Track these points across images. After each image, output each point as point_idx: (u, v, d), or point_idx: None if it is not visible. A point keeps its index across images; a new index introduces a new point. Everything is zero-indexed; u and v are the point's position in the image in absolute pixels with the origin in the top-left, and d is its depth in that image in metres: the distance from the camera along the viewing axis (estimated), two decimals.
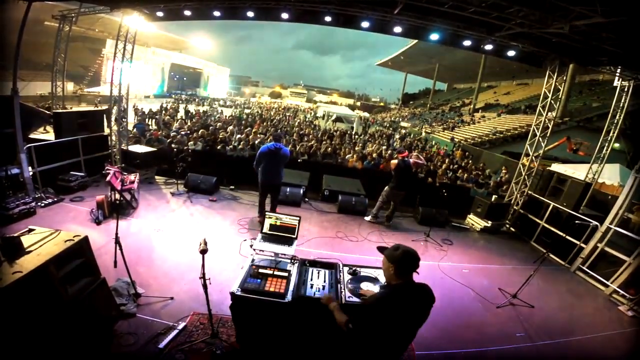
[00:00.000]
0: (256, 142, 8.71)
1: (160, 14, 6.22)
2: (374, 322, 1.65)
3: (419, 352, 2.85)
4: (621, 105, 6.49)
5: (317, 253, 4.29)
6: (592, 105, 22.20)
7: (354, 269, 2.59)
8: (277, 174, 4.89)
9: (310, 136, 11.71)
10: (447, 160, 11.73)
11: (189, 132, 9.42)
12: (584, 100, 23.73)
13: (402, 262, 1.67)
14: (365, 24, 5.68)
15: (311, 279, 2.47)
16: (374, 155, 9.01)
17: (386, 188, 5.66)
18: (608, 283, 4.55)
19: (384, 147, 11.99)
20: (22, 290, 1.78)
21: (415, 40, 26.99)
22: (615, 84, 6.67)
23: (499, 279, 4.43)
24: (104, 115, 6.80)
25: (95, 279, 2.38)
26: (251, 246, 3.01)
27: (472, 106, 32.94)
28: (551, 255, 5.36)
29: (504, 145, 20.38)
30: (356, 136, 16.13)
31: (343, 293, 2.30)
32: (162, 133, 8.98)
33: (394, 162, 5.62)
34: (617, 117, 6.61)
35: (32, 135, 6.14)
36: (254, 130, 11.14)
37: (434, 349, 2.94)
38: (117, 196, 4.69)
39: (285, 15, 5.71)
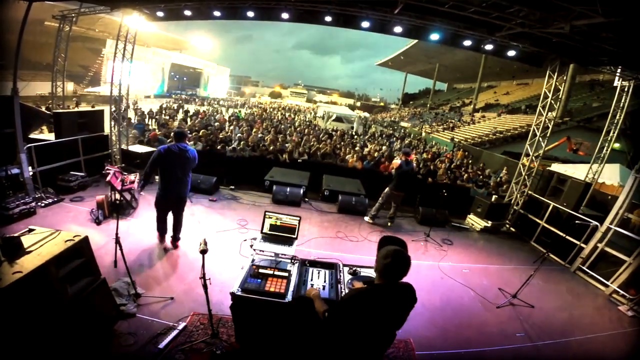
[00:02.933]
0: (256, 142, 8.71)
1: (160, 14, 6.22)
2: (346, 316, 1.65)
3: (419, 352, 2.85)
4: (621, 105, 6.50)
5: (317, 253, 4.29)
6: (592, 105, 22.20)
7: (354, 269, 2.59)
8: (182, 182, 3.85)
9: (311, 136, 11.70)
10: (446, 160, 11.73)
11: (189, 132, 9.42)
12: (584, 100, 23.73)
13: (387, 269, 1.64)
14: (365, 24, 5.68)
15: (311, 279, 2.47)
16: (375, 154, 9.01)
17: (386, 189, 5.67)
18: (608, 283, 4.55)
19: (384, 147, 11.98)
20: (22, 290, 1.78)
21: (415, 40, 26.99)
22: (615, 84, 6.68)
23: (499, 279, 4.43)
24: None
25: (95, 279, 2.38)
26: (251, 246, 3.01)
27: (472, 106, 32.94)
28: (551, 255, 5.35)
29: (504, 145, 20.37)
30: (356, 136, 16.13)
31: (343, 293, 2.30)
32: (161, 133, 8.99)
33: (396, 162, 5.60)
34: (617, 117, 6.62)
35: (32, 135, 6.14)
36: (254, 130, 11.15)
37: (434, 349, 2.93)
38: (117, 196, 4.69)
39: (285, 15, 5.71)
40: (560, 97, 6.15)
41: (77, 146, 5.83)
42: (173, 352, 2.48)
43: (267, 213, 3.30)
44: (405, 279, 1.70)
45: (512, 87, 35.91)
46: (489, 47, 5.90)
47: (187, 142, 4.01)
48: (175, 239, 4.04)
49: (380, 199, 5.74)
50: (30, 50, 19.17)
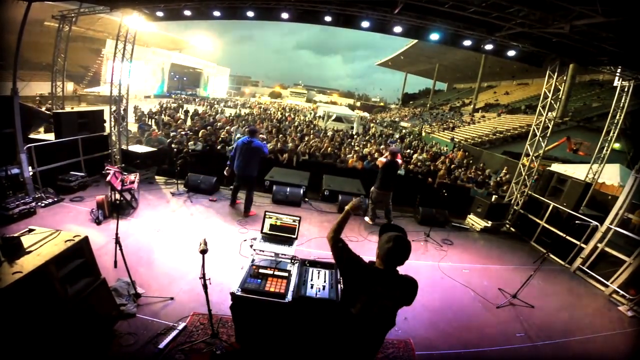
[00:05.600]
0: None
1: (160, 14, 6.21)
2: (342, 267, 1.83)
3: (419, 352, 2.85)
4: (621, 105, 6.49)
5: (317, 253, 4.29)
6: (592, 105, 22.19)
7: None
8: (247, 165, 5.06)
9: (311, 136, 11.70)
10: (447, 160, 11.73)
11: (189, 131, 9.42)
12: (584, 100, 23.73)
13: (388, 253, 1.69)
14: (365, 24, 5.67)
15: (311, 279, 2.47)
16: (375, 154, 9.01)
17: (372, 189, 5.65)
18: (608, 283, 4.55)
19: (383, 147, 11.96)
20: (22, 290, 1.78)
21: (415, 40, 26.96)
22: (615, 84, 6.67)
23: (499, 279, 4.43)
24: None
25: (95, 279, 2.38)
26: (251, 246, 3.01)
27: (472, 106, 32.93)
28: (551, 256, 5.35)
29: (504, 145, 20.37)
30: (356, 136, 16.12)
31: None
32: (161, 133, 8.99)
33: (382, 159, 5.59)
34: (617, 117, 6.61)
35: (32, 135, 6.14)
36: None
37: (434, 349, 2.94)
38: (117, 196, 4.69)
39: (285, 15, 5.71)
40: (560, 97, 6.15)
41: (77, 146, 5.83)
42: (173, 352, 2.48)
43: (267, 213, 3.31)
44: None
45: (512, 87, 35.90)
46: (489, 47, 5.90)
47: (257, 136, 5.24)
48: (246, 210, 5.27)
49: (369, 199, 5.75)
50: (30, 50, 19.16)
